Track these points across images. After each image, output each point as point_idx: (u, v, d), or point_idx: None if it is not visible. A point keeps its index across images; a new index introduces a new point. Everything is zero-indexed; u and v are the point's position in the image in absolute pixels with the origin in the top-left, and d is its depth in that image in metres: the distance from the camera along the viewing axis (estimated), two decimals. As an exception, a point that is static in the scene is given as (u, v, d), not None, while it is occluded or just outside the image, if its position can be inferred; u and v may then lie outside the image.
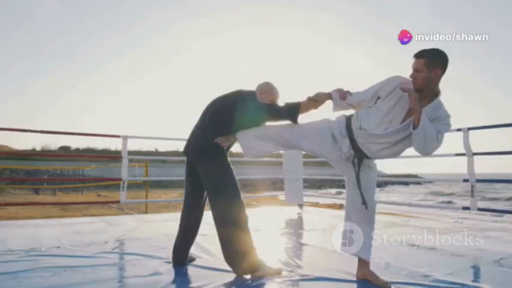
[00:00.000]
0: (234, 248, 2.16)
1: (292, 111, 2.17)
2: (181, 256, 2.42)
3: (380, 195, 22.39)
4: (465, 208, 4.32)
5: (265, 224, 4.18)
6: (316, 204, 9.14)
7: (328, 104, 2.18)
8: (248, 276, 2.16)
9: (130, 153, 4.74)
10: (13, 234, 3.39)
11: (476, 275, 2.37)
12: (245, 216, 2.21)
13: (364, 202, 2.09)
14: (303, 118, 2.22)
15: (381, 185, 33.83)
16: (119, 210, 9.61)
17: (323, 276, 2.21)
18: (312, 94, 2.17)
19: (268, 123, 2.28)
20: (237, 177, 2.27)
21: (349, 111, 2.19)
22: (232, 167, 2.29)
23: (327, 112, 2.22)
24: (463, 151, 4.12)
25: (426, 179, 33.17)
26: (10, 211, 9.38)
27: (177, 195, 13.80)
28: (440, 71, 1.90)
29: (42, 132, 4.07)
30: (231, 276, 2.16)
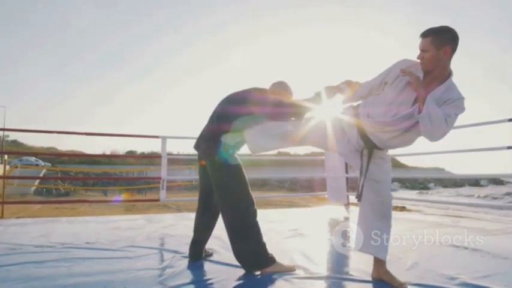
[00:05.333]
0: (242, 244, 2.14)
1: (297, 111, 2.12)
2: (196, 251, 2.44)
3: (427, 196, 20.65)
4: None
5: (300, 223, 4.10)
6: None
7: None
8: (258, 273, 2.12)
9: (184, 155, 4.89)
10: (59, 229, 3.66)
11: (515, 280, 2.07)
12: (253, 212, 2.17)
13: (357, 196, 1.97)
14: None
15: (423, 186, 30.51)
16: (177, 210, 10.00)
17: (336, 275, 2.10)
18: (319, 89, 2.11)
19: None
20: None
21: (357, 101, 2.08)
22: (240, 163, 2.26)
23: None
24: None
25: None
26: (80, 210, 10.25)
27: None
28: (449, 49, 1.72)
29: (86, 134, 4.40)
30: (240, 272, 2.14)
